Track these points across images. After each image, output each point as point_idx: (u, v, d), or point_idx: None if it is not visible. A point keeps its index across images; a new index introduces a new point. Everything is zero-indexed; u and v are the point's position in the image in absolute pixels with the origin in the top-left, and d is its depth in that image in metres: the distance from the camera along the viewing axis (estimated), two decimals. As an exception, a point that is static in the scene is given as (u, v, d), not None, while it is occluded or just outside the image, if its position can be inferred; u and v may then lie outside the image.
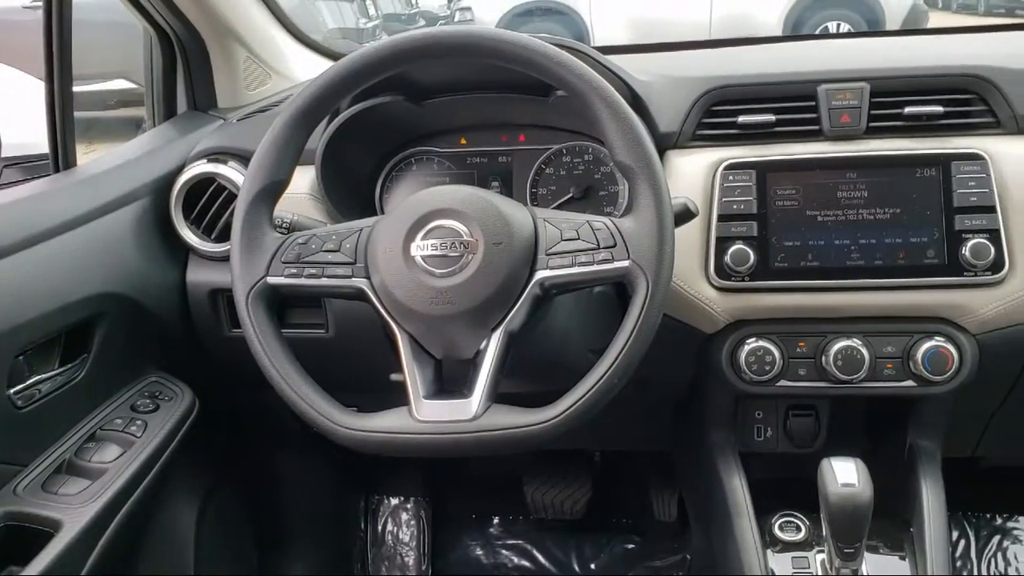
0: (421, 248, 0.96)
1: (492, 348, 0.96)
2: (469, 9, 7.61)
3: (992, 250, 1.12)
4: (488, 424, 0.93)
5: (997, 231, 1.13)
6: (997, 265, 1.12)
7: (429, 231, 0.97)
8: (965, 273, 1.13)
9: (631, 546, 1.90)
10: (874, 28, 7.49)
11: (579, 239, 0.97)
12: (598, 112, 0.98)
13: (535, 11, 7.89)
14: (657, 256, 0.95)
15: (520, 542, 1.95)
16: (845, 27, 7.70)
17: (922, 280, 1.15)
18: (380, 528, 1.98)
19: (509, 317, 0.97)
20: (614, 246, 0.96)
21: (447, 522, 2.01)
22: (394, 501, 1.99)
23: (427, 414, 0.94)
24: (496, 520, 1.99)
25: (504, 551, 1.95)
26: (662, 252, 0.95)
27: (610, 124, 0.97)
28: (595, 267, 0.96)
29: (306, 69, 1.62)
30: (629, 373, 0.96)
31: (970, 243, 1.13)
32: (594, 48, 1.28)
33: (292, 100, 1.01)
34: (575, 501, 1.88)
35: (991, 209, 1.13)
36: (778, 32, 7.34)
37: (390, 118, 1.29)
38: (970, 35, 1.61)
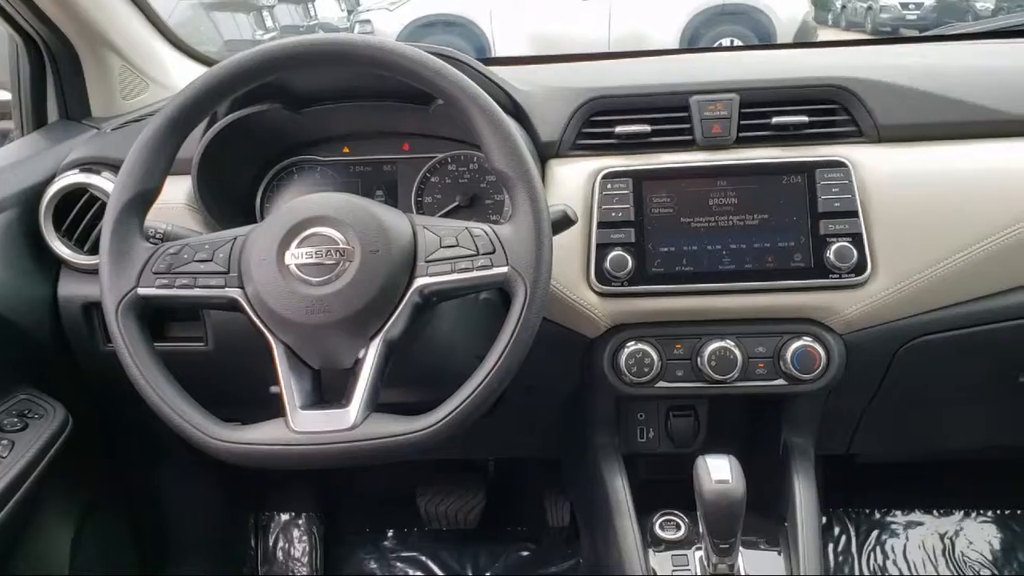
0: (296, 256, 0.95)
1: (371, 357, 0.96)
2: (369, 22, 7.58)
3: (855, 253, 1.17)
4: (366, 433, 0.93)
5: (860, 235, 1.18)
6: (860, 267, 1.18)
7: (304, 239, 0.96)
8: (830, 275, 1.18)
9: (526, 553, 1.91)
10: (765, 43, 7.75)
11: (458, 246, 0.98)
12: (475, 120, 0.99)
13: (437, 23, 7.91)
14: (535, 262, 0.96)
15: (415, 554, 1.94)
16: (739, 43, 7.95)
17: (790, 283, 1.19)
18: (271, 545, 1.94)
19: (388, 325, 0.97)
20: (493, 252, 0.97)
21: (340, 537, 1.98)
22: (284, 517, 1.95)
23: (303, 425, 0.93)
24: (390, 533, 1.97)
25: (399, 564, 1.93)
26: (540, 258, 0.97)
27: (487, 132, 0.99)
28: (474, 273, 0.97)
29: (186, 78, 1.57)
30: (509, 378, 0.97)
31: (834, 246, 1.18)
32: (477, 59, 1.29)
33: (163, 108, 0.99)
34: (469, 511, 1.88)
35: (854, 214, 1.19)
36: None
37: (269, 126, 1.28)
38: (835, 49, 1.69)
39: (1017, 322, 1.23)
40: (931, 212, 1.20)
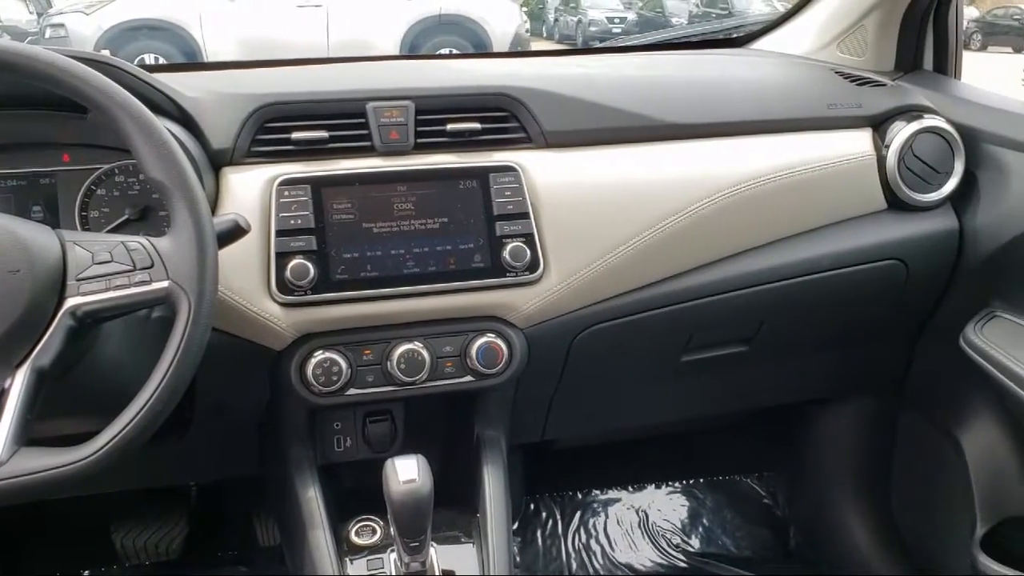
0: None
1: (17, 387, 0.89)
2: (62, 26, 6.99)
3: (528, 252, 1.24)
4: (15, 470, 0.86)
5: (532, 235, 1.25)
6: (533, 265, 1.24)
7: None
8: (507, 274, 1.24)
9: (237, 577, 1.85)
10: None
11: (113, 261, 0.93)
12: (125, 128, 0.95)
13: (142, 28, 7.46)
14: (198, 275, 0.93)
15: (114, 593, 1.81)
16: (456, 52, 8.17)
17: (471, 283, 1.23)
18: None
19: (37, 351, 0.90)
20: (152, 267, 0.93)
21: None
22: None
23: None
24: (86, 574, 1.82)
25: (97, 605, 1.80)
26: (203, 271, 0.94)
27: (139, 140, 0.95)
28: (132, 290, 0.93)
29: None
30: (176, 399, 0.93)
31: (509, 247, 1.24)
32: (145, 66, 1.23)
33: None
34: (171, 541, 1.78)
35: (525, 216, 1.25)
36: (394, 56, 7.60)
37: None
38: (506, 59, 1.78)
39: (675, 307, 1.36)
40: (594, 211, 1.29)
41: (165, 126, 0.99)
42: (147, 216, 1.26)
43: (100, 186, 1.25)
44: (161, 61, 6.91)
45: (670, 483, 2.13)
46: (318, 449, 1.32)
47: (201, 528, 1.84)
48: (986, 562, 1.43)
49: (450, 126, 1.28)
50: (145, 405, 0.90)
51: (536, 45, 10.82)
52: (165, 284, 0.92)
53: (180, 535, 1.79)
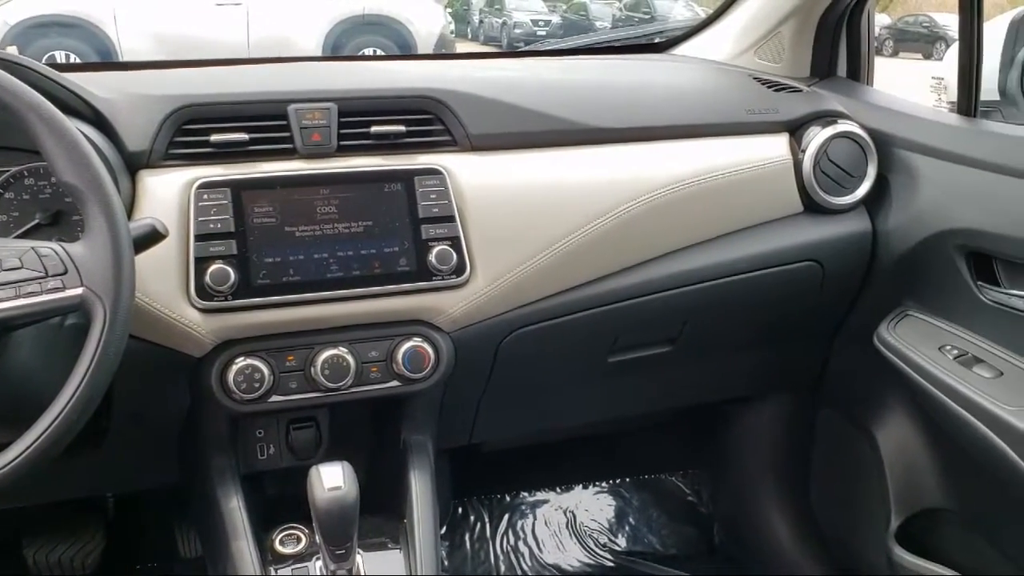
0: None
1: None
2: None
3: (454, 256, 1.23)
4: None
5: (458, 238, 1.24)
6: (460, 269, 1.24)
7: None
8: (434, 278, 1.23)
9: (156, 591, 1.80)
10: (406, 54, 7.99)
11: (23, 267, 0.90)
12: (35, 129, 0.92)
13: (52, 25, 7.20)
14: (114, 281, 0.91)
15: (25, 611, 1.74)
16: (380, 53, 8.10)
17: (397, 287, 1.22)
18: None
19: None
20: (65, 273, 0.91)
21: None
22: None
23: None
24: (-6, 592, 1.76)
25: (5, 626, 1.73)
26: (119, 277, 0.91)
27: (50, 142, 0.92)
28: (43, 298, 0.90)
29: None
30: (91, 408, 0.90)
31: (435, 250, 1.23)
32: (54, 65, 1.19)
33: None
34: (87, 556, 1.72)
35: (451, 219, 1.25)
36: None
37: None
38: (431, 61, 1.78)
39: (601, 309, 1.37)
40: (519, 214, 1.30)
41: (78, 127, 0.96)
42: (59, 221, 1.22)
43: (8, 189, 1.20)
44: (73, 59, 6.69)
45: (597, 483, 2.15)
46: (240, 457, 1.29)
47: (119, 541, 1.78)
48: (901, 553, 1.48)
49: (374, 128, 1.27)
50: (59, 416, 0.88)
51: (461, 47, 10.81)
52: (79, 291, 0.90)
53: (96, 549, 1.73)
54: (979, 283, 1.36)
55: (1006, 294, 1.32)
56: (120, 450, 1.28)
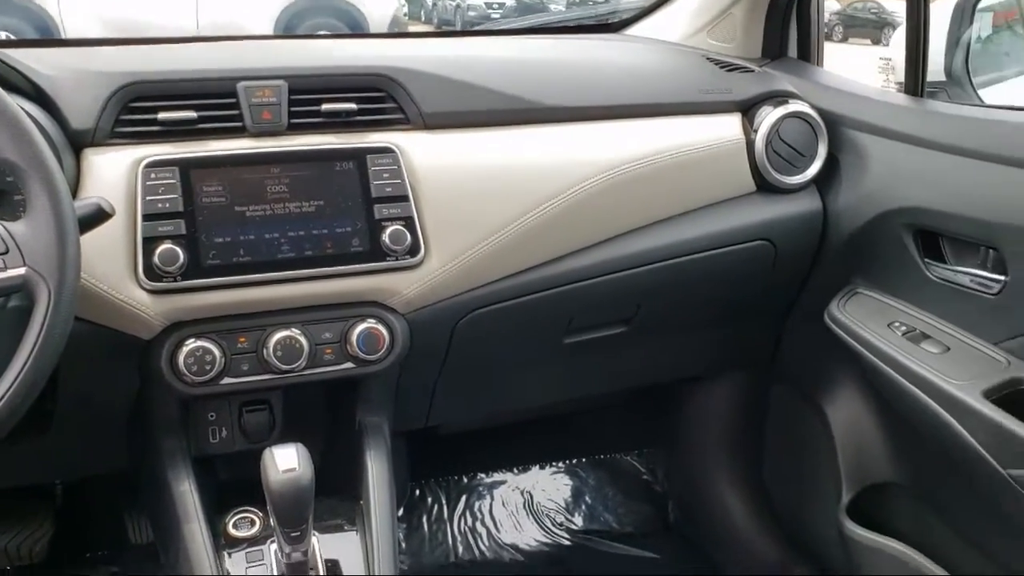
0: None
1: None
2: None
3: (408, 236, 1.22)
4: None
5: (412, 218, 1.23)
6: (414, 249, 1.23)
7: None
8: (387, 258, 1.22)
9: (106, 578, 1.77)
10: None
11: None
12: None
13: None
14: (58, 261, 0.89)
15: (-30, 602, 1.70)
16: (333, 35, 7.97)
17: (350, 267, 1.21)
18: None
19: None
20: (6, 253, 0.89)
21: None
22: None
23: None
24: (-61, 584, 1.71)
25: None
26: (64, 256, 0.89)
27: None
28: None
29: None
30: (35, 393, 0.88)
31: (389, 230, 1.22)
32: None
33: None
34: (35, 543, 1.69)
35: (405, 198, 1.24)
36: (268, 37, 7.38)
37: None
38: (384, 40, 1.76)
39: (556, 290, 1.37)
40: (474, 194, 1.29)
41: (18, 104, 0.94)
42: (1, 201, 1.18)
43: (-55, 168, 1.16)
44: (12, 38, 6.51)
45: (553, 463, 2.16)
46: (192, 441, 1.27)
47: (67, 528, 1.75)
48: (852, 527, 1.51)
49: (325, 106, 1.25)
50: (1, 400, 0.85)
51: (414, 29, 10.72)
52: (22, 271, 0.88)
53: (44, 537, 1.70)
54: (926, 260, 1.38)
55: (952, 270, 1.35)
56: (67, 435, 1.26)
